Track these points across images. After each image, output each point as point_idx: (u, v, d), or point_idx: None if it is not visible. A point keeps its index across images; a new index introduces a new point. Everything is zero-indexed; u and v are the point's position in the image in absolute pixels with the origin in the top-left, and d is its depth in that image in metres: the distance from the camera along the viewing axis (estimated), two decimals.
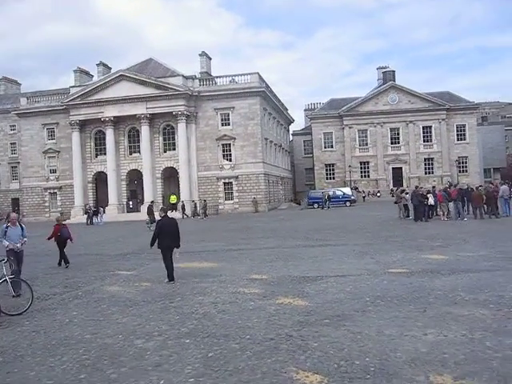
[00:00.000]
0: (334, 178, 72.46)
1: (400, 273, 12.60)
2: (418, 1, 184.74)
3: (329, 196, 52.30)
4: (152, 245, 13.35)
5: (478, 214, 27.97)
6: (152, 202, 41.54)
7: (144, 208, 48.58)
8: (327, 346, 6.86)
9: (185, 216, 46.23)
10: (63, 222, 18.62)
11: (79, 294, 12.13)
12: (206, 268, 15.27)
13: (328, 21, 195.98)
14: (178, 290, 11.76)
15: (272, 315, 8.81)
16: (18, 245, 12.47)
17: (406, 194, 32.44)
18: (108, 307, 10.33)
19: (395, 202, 31.06)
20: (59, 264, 17.38)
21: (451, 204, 28.74)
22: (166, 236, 13.07)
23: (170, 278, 12.99)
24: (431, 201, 28.90)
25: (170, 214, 46.57)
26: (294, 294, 10.51)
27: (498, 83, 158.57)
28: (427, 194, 29.41)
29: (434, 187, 34.32)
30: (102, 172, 54.43)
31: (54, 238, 17.50)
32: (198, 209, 47.10)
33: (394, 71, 74.53)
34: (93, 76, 63.64)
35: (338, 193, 56.30)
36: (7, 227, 12.45)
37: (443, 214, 28.35)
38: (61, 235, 17.32)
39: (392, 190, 66.65)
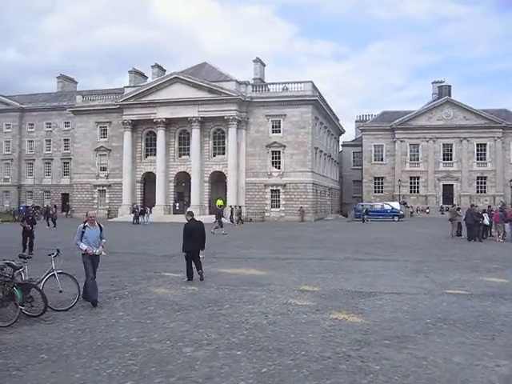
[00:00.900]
0: (382, 192, 71.07)
1: (459, 294, 11.90)
2: (475, 15, 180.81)
3: (367, 210, 51.46)
4: (184, 249, 14.08)
5: None
6: (220, 206, 40.76)
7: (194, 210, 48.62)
8: (390, 371, 6.34)
9: (231, 222, 45.45)
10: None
11: (125, 293, 11.91)
12: (255, 275, 14.85)
13: (382, 33, 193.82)
14: (226, 297, 11.38)
15: (327, 331, 8.32)
16: (97, 250, 11.04)
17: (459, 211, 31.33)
18: (155, 310, 10.03)
19: (450, 220, 29.97)
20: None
21: (507, 225, 27.62)
22: (194, 239, 13.79)
23: (190, 276, 13.86)
24: (486, 221, 27.81)
25: (207, 217, 46.53)
26: (348, 310, 9.98)
27: None
28: (482, 213, 28.30)
29: (489, 206, 33.04)
30: (151, 172, 54.79)
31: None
32: (234, 215, 46.05)
33: (449, 86, 72.79)
34: (147, 77, 64.32)
35: (387, 207, 55.24)
36: (85, 227, 10.89)
37: (498, 235, 27.22)
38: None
39: (442, 208, 65.08)
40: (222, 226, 32.36)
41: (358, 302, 10.89)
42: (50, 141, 68.96)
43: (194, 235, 13.82)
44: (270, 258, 19.50)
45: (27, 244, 20.52)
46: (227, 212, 47.51)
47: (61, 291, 10.12)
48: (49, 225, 40.04)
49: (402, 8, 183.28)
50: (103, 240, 11.30)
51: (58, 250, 10.82)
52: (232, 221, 44.95)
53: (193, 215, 14.91)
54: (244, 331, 8.27)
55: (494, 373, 6.35)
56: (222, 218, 38.26)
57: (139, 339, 7.79)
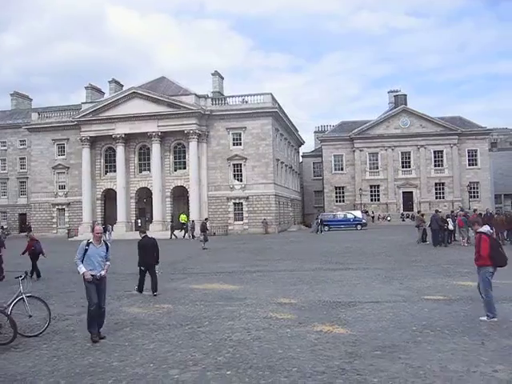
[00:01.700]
0: (343, 201, 71.53)
1: (438, 300, 11.85)
2: (427, 27, 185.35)
3: (321, 220, 51.21)
4: (139, 265, 14.74)
5: (499, 240, 27.17)
6: (206, 219, 39.15)
7: (153, 227, 47.92)
8: (389, 383, 6.10)
9: (195, 237, 43.57)
10: (36, 238, 20.37)
11: None
12: (229, 290, 14.49)
13: (336, 45, 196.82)
14: (203, 314, 11.00)
15: (314, 344, 8.06)
16: (101, 272, 9.31)
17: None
18: (131, 331, 9.59)
19: (416, 226, 30.23)
20: (31, 275, 17.73)
21: (471, 229, 28.00)
22: (148, 254, 14.45)
23: (140, 289, 14.62)
24: (451, 226, 28.14)
25: (179, 233, 45.55)
26: (331, 321, 9.74)
27: (506, 110, 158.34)
28: (447, 218, 28.64)
29: (452, 211, 33.52)
30: (111, 189, 53.73)
31: (28, 253, 19.21)
32: (196, 229, 43.49)
33: (405, 95, 74.13)
34: (104, 93, 63.40)
35: (349, 216, 55.47)
36: (88, 245, 9.31)
37: (463, 239, 27.59)
38: (34, 249, 19.19)
39: (402, 215, 65.95)
40: (206, 240, 31.35)
41: (339, 312, 10.68)
42: (4, 160, 66.97)
43: (147, 251, 14.50)
44: (241, 271, 19.16)
45: None
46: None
47: (30, 316, 9.55)
48: None
49: (355, 21, 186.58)
50: (107, 263, 9.58)
51: (26, 273, 10.25)
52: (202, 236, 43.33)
53: (145, 232, 15.88)
54: (229, 349, 7.92)
55: (493, 378, 6.20)
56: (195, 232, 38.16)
57: (120, 363, 7.36)
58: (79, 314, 11.40)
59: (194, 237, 43.18)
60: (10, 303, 9.42)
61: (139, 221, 52.74)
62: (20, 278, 9.90)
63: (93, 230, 9.77)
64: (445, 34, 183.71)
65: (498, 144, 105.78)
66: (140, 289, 14.63)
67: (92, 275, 9.16)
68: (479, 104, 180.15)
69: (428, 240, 29.67)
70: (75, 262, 9.30)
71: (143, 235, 15.31)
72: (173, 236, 45.76)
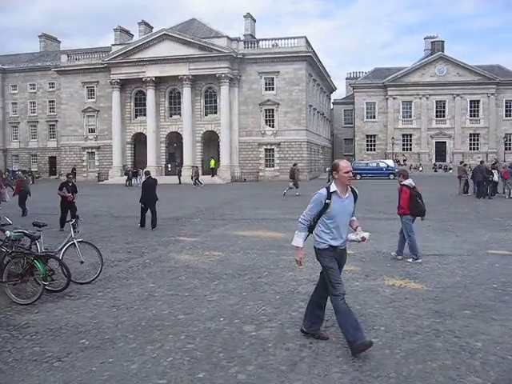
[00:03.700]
0: (374, 150, 70.12)
1: (505, 255, 11.11)
2: None
3: (196, 172, 43.61)
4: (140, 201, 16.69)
5: None
6: (295, 164, 37.25)
7: (184, 171, 47.40)
8: (497, 348, 5.44)
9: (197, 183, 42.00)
10: (23, 180, 22.28)
11: (146, 261, 10.90)
12: (277, 238, 13.92)
13: None
14: (259, 263, 10.43)
15: (393, 300, 7.42)
16: (359, 235, 5.75)
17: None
18: (188, 280, 9.04)
19: (458, 177, 29.16)
20: (23, 214, 19.83)
21: None
22: (149, 193, 16.55)
23: (142, 224, 16.54)
24: (496, 177, 27.05)
25: (208, 178, 44.78)
26: (400, 275, 9.09)
27: None
28: (492, 169, 27.53)
29: (495, 163, 32.30)
30: (142, 133, 53.18)
31: (17, 192, 20.73)
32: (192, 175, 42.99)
33: (443, 41, 71.31)
34: (133, 36, 62.02)
35: (382, 165, 54.39)
36: (330, 196, 5.59)
37: (509, 192, 26.55)
38: (23, 190, 20.56)
39: (435, 165, 64.53)
40: (297, 187, 29.79)
41: (405, 265, 10.04)
42: (34, 103, 66.54)
43: (148, 189, 16.62)
44: (283, 218, 18.58)
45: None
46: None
47: (82, 262, 9.07)
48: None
49: None
50: (357, 226, 5.96)
51: (78, 216, 9.74)
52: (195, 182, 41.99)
53: (149, 174, 18.28)
54: (300, 303, 7.32)
55: None
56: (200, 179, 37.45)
57: (187, 316, 6.80)
58: (127, 261, 10.96)
59: (197, 183, 41.75)
60: (61, 248, 8.93)
61: (169, 165, 52.38)
62: (71, 223, 9.40)
63: (334, 170, 5.69)
64: None
65: None
66: (142, 224, 16.48)
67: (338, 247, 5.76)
68: None
69: (469, 192, 28.72)
70: (298, 226, 5.80)
71: (147, 176, 17.73)
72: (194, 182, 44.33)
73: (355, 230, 5.89)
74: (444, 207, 22.37)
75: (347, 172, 5.58)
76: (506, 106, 67.45)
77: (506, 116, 67.45)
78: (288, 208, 22.34)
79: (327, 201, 5.59)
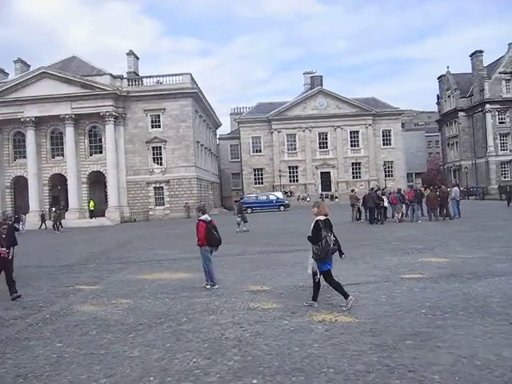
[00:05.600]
0: (262, 183, 71.23)
1: (419, 278, 11.14)
2: (334, 13, 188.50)
3: (59, 215, 41.32)
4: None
5: (433, 216, 27.50)
6: (241, 197, 34.21)
7: (70, 215, 45.20)
8: (456, 379, 5.13)
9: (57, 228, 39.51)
10: None
11: (46, 316, 9.67)
12: (185, 279, 13.14)
13: (246, 29, 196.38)
14: (173, 308, 9.63)
15: (330, 337, 6.98)
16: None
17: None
18: (99, 334, 8.01)
19: (352, 205, 29.95)
20: None
21: (404, 206, 28.26)
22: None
23: None
24: (386, 203, 28.07)
25: (88, 220, 42.86)
26: (326, 309, 8.72)
27: (408, 93, 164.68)
28: (382, 195, 28.55)
29: (383, 189, 33.67)
30: (22, 176, 50.09)
31: None
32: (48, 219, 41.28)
33: (321, 76, 74.66)
34: (8, 74, 58.84)
35: (272, 197, 55.07)
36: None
37: (400, 216, 27.62)
38: None
39: (321, 195, 66.45)
40: (245, 221, 28.19)
41: (326, 298, 9.69)
42: None
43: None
44: (183, 258, 17.76)
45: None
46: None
47: None
48: None
49: (265, 6, 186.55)
50: None
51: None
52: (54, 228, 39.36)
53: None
54: (233, 349, 6.67)
55: None
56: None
57: (110, 379, 5.85)
58: (24, 318, 9.72)
59: (56, 228, 39.08)
60: None
61: (53, 209, 49.61)
62: None
63: None
64: (351, 20, 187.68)
65: (404, 125, 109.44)
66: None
67: None
68: (385, 86, 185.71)
69: (362, 218, 29.59)
70: None
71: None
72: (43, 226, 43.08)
73: None
74: (342, 235, 22.55)
75: None
76: (383, 136, 71.40)
77: (384, 145, 71.34)
78: (185, 247, 21.42)
79: None
